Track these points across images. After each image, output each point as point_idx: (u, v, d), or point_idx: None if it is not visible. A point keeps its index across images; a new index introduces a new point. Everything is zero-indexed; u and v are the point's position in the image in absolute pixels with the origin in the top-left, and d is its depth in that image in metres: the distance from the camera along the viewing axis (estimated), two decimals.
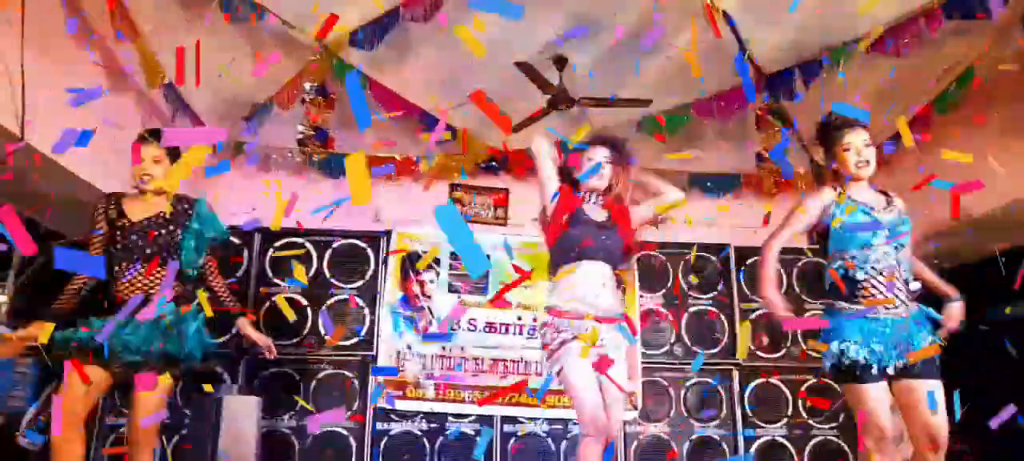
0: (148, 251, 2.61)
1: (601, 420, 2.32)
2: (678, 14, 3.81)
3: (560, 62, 4.27)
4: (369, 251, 4.55)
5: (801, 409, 4.55)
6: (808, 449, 4.49)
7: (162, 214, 2.68)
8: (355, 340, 4.40)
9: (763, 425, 4.51)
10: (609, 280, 2.52)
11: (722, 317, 4.69)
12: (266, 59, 3.88)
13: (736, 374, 4.59)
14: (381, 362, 4.36)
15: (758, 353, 4.64)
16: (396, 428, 4.33)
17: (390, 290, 4.49)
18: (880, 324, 2.44)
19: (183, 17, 3.77)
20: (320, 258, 4.50)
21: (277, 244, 4.51)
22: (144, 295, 2.56)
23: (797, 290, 4.74)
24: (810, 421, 4.54)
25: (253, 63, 4.12)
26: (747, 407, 4.54)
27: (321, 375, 4.33)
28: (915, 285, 2.61)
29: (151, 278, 2.61)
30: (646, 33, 3.83)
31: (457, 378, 4.44)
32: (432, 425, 4.37)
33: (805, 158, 5.07)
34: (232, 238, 4.47)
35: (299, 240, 4.50)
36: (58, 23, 3.50)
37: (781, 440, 4.50)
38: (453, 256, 4.63)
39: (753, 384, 4.58)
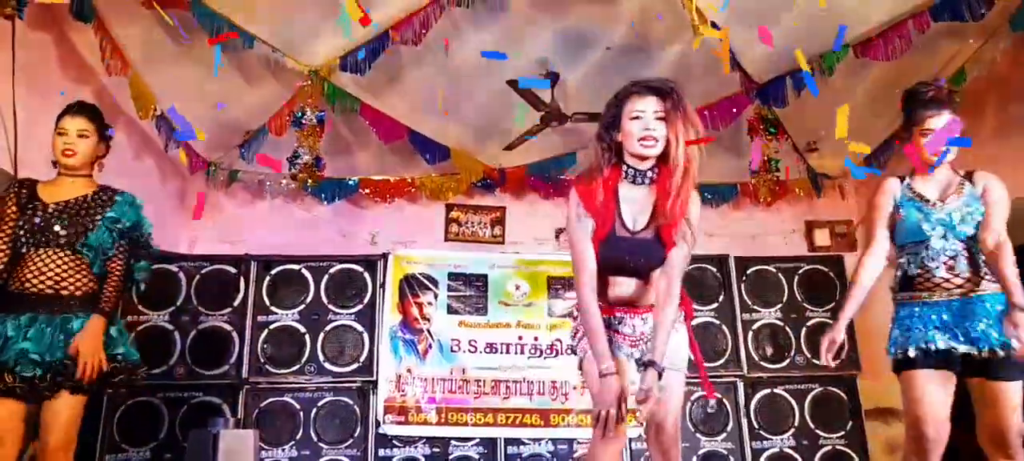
0: (60, 237, 2.35)
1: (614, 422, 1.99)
2: (668, 26, 3.83)
3: (552, 78, 4.26)
4: (366, 275, 4.52)
5: (808, 419, 4.49)
6: (816, 459, 4.42)
7: (81, 199, 2.44)
8: (355, 366, 4.36)
9: (770, 437, 4.45)
10: (648, 283, 2.14)
11: (724, 328, 4.64)
12: None
13: (741, 386, 4.53)
14: (381, 388, 4.31)
15: (762, 363, 4.59)
16: (399, 454, 4.26)
17: (389, 314, 4.45)
18: (935, 309, 2.32)
19: (172, 47, 3.77)
20: (317, 284, 4.46)
21: (273, 272, 4.47)
22: (53, 290, 2.31)
23: (799, 298, 4.69)
24: (818, 430, 4.47)
25: (243, 90, 4.12)
26: (753, 419, 4.47)
27: (321, 403, 4.27)
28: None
29: (61, 268, 2.34)
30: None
31: (459, 401, 4.38)
32: (435, 450, 4.30)
33: (802, 166, 5.08)
34: (228, 267, 4.44)
35: (295, 267, 4.46)
36: (50, 59, 3.51)
37: (789, 451, 4.44)
38: (451, 277, 4.60)
39: (758, 395, 4.52)
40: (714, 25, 3.73)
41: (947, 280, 2.34)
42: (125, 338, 2.48)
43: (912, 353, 2.29)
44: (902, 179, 2.51)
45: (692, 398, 4.49)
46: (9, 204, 2.41)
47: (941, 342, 2.27)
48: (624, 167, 2.07)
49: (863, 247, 2.54)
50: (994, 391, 2.22)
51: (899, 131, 2.57)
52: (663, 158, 2.03)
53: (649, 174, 2.05)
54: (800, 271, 4.73)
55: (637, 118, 2.01)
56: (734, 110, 4.45)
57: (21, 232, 2.37)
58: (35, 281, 2.31)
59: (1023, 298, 2.15)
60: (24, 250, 2.36)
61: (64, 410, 2.26)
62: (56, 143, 2.44)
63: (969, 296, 2.31)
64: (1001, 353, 2.20)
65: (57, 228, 2.35)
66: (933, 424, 2.23)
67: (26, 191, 2.43)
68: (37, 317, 2.27)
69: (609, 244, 2.03)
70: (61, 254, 2.35)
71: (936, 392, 2.26)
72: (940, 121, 2.39)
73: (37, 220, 2.35)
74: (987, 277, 2.31)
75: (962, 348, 2.25)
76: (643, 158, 2.03)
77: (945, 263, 2.34)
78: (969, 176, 2.45)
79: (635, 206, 2.07)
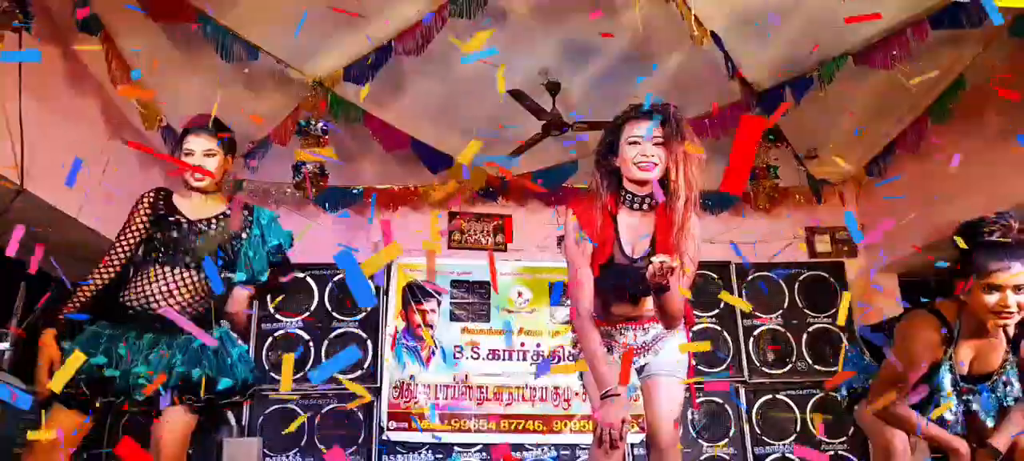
0: (197, 256, 2.22)
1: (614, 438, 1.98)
2: (667, 36, 3.84)
3: (553, 88, 4.28)
4: (370, 282, 4.52)
5: (810, 424, 4.49)
6: None
7: (222, 216, 2.33)
8: (359, 372, 4.37)
9: (772, 442, 4.46)
10: (647, 303, 2.11)
11: (726, 334, 4.64)
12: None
13: (743, 391, 4.53)
14: (385, 394, 4.33)
15: (764, 369, 4.59)
16: None
17: (392, 321, 4.47)
18: None
19: (178, 57, 3.79)
20: (320, 292, 4.49)
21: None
22: (188, 312, 2.16)
23: (799, 304, 4.72)
24: (820, 436, 4.47)
25: (248, 101, 4.14)
26: (755, 425, 4.48)
27: (326, 410, 4.29)
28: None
29: (190, 293, 2.21)
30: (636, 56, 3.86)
31: (462, 408, 4.40)
32: (438, 456, 4.32)
33: (802, 173, 5.08)
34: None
35: (299, 275, 4.49)
36: (57, 73, 3.54)
37: (791, 457, 4.44)
38: (454, 284, 4.61)
39: (760, 401, 4.53)
40: (714, 34, 3.74)
41: None
42: (247, 360, 2.37)
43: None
44: (949, 330, 2.10)
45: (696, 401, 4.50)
46: (139, 216, 2.28)
47: None
48: (623, 193, 2.02)
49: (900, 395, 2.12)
50: None
51: (954, 269, 2.07)
52: (663, 184, 1.97)
53: (648, 200, 2.00)
54: (801, 277, 4.78)
55: (635, 143, 1.97)
56: (735, 117, 4.46)
57: (158, 244, 2.23)
58: (162, 302, 2.17)
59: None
60: (154, 264, 2.22)
61: (178, 426, 2.17)
62: (182, 164, 2.29)
63: None
64: None
65: (197, 247, 2.23)
66: (903, 439, 2.33)
67: (164, 201, 2.30)
68: (159, 339, 2.15)
69: (608, 271, 2.00)
70: (192, 275, 2.22)
71: None
72: (1010, 277, 1.94)
73: (175, 234, 2.23)
74: None
75: None
76: (642, 183, 1.98)
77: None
78: (1019, 339, 2.14)
79: (634, 233, 2.01)
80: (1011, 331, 2.14)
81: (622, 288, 2.04)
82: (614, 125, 2.06)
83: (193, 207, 2.33)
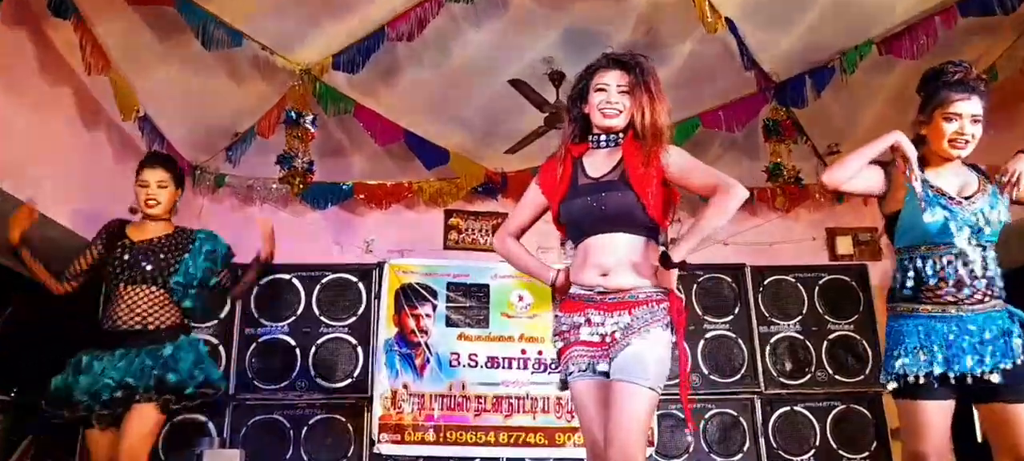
0: (148, 271, 2.66)
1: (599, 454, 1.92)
2: (679, 22, 3.70)
3: (557, 78, 4.13)
4: (360, 285, 4.42)
5: (830, 438, 4.32)
6: None
7: (164, 238, 2.76)
8: (348, 382, 4.24)
9: (789, 457, 4.29)
10: (626, 250, 1.97)
11: (740, 342, 4.46)
12: None
13: (758, 403, 4.37)
14: (376, 404, 4.21)
15: (781, 379, 4.42)
16: None
17: (384, 327, 4.35)
18: (943, 323, 2.12)
19: (156, 45, 3.68)
20: (308, 295, 4.37)
21: (262, 282, 4.32)
22: (142, 325, 2.60)
23: (819, 310, 4.54)
24: (840, 451, 4.31)
25: (231, 91, 4.04)
26: (772, 438, 4.31)
27: (312, 421, 4.18)
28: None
29: (148, 303, 2.64)
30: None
31: (458, 419, 4.28)
32: None
33: (823, 170, 4.89)
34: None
35: (285, 276, 4.37)
36: (28, 59, 3.42)
37: None
38: (450, 287, 4.48)
39: (777, 413, 4.36)
40: (729, 21, 3.57)
41: (965, 291, 2.11)
42: (210, 362, 2.79)
43: (921, 379, 2.12)
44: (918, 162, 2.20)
45: (706, 416, 4.35)
46: (96, 241, 2.77)
47: (948, 367, 2.10)
48: (591, 137, 2.15)
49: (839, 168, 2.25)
50: (1018, 414, 2.06)
51: (916, 117, 2.25)
52: (629, 128, 2.09)
53: (615, 137, 2.10)
54: (821, 281, 4.61)
55: (602, 90, 2.08)
56: (749, 112, 4.32)
57: (111, 268, 2.67)
58: (126, 318, 2.60)
59: None
60: (115, 286, 2.66)
61: (138, 422, 2.50)
62: (139, 194, 2.76)
63: (977, 312, 2.12)
64: (1009, 369, 2.07)
65: (145, 265, 2.67)
66: (937, 457, 2.14)
67: (117, 228, 2.77)
68: (128, 351, 2.56)
69: (572, 191, 2.08)
70: (149, 289, 2.65)
71: (942, 422, 2.15)
72: (968, 106, 2.11)
73: (127, 257, 2.67)
74: (997, 292, 2.14)
75: (969, 374, 2.08)
76: (608, 130, 2.10)
77: (969, 270, 2.11)
78: (984, 173, 2.24)
79: (599, 163, 2.11)
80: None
81: (588, 204, 2.04)
82: (585, 73, 2.16)
83: (140, 231, 2.78)
